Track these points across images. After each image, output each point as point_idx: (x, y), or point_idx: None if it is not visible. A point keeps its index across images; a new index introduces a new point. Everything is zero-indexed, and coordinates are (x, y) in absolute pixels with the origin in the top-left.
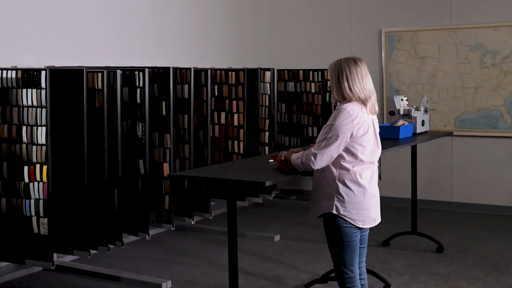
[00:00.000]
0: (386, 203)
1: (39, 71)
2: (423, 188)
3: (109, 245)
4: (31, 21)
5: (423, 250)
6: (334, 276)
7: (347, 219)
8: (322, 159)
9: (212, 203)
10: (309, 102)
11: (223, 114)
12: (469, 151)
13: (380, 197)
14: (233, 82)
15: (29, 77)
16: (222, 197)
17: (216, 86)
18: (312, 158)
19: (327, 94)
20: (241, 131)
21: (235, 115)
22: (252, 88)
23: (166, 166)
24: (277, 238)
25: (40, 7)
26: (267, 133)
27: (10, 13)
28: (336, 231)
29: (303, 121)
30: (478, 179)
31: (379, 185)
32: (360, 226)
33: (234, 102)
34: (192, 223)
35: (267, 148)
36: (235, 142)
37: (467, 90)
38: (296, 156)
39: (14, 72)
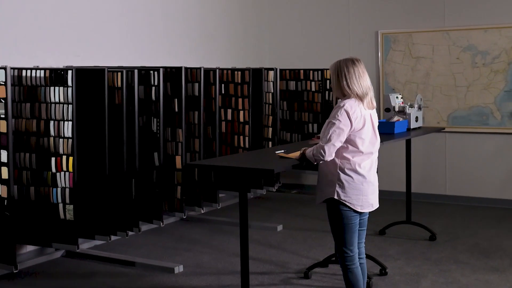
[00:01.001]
0: (382, 196)
1: (65, 70)
2: (418, 182)
3: (127, 231)
4: (51, 25)
5: (417, 238)
6: (334, 260)
7: (347, 203)
8: (330, 151)
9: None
10: (310, 100)
11: (229, 111)
12: (461, 147)
13: None
14: (239, 81)
15: (56, 76)
16: (228, 189)
17: (223, 85)
18: (321, 151)
19: (327, 92)
20: (247, 126)
21: (241, 112)
22: (256, 86)
23: (178, 159)
24: (280, 228)
25: (59, 12)
26: (270, 129)
27: (32, 18)
28: (337, 214)
29: (304, 118)
30: (469, 173)
31: None
32: (359, 210)
33: (240, 100)
34: (202, 211)
35: (270, 143)
36: (241, 137)
37: (459, 89)
38: (309, 151)
39: (42, 71)
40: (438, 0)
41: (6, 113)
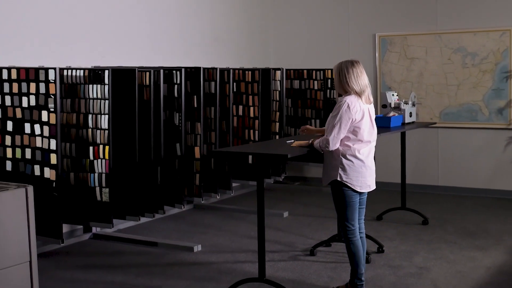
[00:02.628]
0: (379, 187)
1: (103, 70)
2: (412, 174)
3: (154, 213)
4: (81, 29)
5: (410, 223)
6: (338, 239)
7: (348, 184)
8: (334, 142)
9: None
10: (312, 97)
11: (241, 107)
12: (452, 141)
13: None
14: (249, 80)
15: (94, 75)
16: (241, 178)
17: (234, 83)
18: (327, 144)
19: (328, 90)
20: (256, 121)
21: (251, 108)
22: (265, 85)
23: (197, 150)
24: (285, 214)
25: (87, 19)
26: (277, 123)
27: (64, 24)
28: (340, 194)
29: (307, 114)
30: (460, 165)
31: None
32: (358, 190)
33: (250, 97)
34: (218, 197)
35: (277, 136)
36: (251, 131)
37: (450, 87)
38: (316, 142)
39: (81, 71)
40: (431, 6)
41: (55, 107)
